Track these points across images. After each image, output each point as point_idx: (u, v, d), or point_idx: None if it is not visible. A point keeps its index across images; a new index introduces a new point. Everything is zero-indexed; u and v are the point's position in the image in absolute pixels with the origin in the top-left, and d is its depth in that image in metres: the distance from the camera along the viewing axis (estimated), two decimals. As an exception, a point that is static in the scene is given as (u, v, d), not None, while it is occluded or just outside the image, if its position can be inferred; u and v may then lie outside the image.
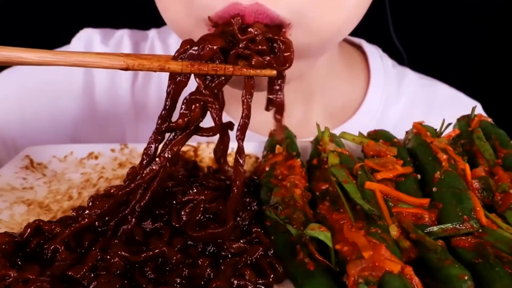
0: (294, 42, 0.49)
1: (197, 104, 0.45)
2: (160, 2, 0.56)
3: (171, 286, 0.38)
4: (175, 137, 0.45)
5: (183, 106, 0.45)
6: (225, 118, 0.49)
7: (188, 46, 0.44)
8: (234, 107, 0.59)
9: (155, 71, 0.44)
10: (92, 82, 0.77)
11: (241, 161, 0.46)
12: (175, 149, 0.45)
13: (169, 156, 0.45)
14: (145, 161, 0.46)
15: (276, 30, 0.48)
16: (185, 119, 0.45)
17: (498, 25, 1.23)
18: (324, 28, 0.52)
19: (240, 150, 0.45)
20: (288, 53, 0.46)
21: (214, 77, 0.45)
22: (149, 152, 0.46)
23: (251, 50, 0.45)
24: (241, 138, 0.45)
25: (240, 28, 0.46)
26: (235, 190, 0.45)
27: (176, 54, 0.44)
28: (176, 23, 0.57)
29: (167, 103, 0.45)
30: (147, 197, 0.44)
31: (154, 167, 0.44)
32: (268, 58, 0.45)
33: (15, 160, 0.57)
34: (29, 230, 0.44)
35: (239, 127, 0.45)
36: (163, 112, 0.45)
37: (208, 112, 0.46)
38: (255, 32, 0.45)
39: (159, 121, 0.46)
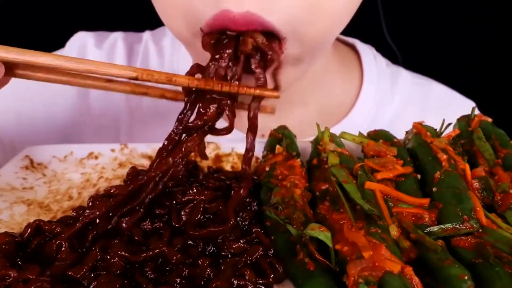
0: (289, 54, 0.50)
1: (214, 105, 0.47)
2: (161, 12, 0.57)
3: (171, 286, 0.38)
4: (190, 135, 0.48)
5: (200, 106, 0.47)
6: (223, 123, 0.50)
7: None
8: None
9: (162, 83, 0.46)
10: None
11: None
12: (189, 145, 0.46)
13: (184, 152, 0.46)
14: (158, 159, 0.46)
15: (272, 40, 0.50)
16: (203, 119, 0.47)
17: (493, 23, 1.24)
18: (314, 37, 0.52)
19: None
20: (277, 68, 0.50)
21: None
22: (163, 151, 0.47)
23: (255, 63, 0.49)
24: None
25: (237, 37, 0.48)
26: (242, 191, 0.46)
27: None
28: (179, 36, 0.58)
29: (186, 107, 0.48)
30: (159, 188, 0.45)
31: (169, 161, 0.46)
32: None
33: (15, 160, 0.57)
34: (29, 230, 0.43)
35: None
36: (181, 115, 0.48)
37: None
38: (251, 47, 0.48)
39: (177, 123, 0.47)
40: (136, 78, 0.44)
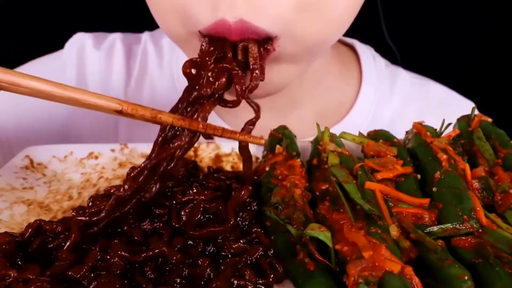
0: (283, 51, 0.50)
1: (224, 74, 0.47)
2: (156, 13, 0.57)
3: (171, 286, 0.38)
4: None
5: (210, 75, 0.47)
6: (218, 121, 0.50)
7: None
8: (226, 111, 0.59)
9: (147, 120, 0.44)
10: (85, 84, 0.77)
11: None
12: (201, 115, 0.46)
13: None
14: (160, 137, 0.46)
15: (265, 42, 0.50)
16: (212, 88, 0.46)
17: (493, 23, 1.24)
18: (310, 37, 0.53)
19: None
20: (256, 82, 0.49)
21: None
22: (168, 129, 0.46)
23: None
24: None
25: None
26: (243, 193, 0.47)
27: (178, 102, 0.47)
28: (170, 34, 0.58)
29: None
30: (171, 165, 0.45)
31: (183, 137, 0.46)
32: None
33: (15, 160, 0.57)
34: (30, 230, 0.44)
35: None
36: (188, 88, 0.47)
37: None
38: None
39: (185, 94, 0.47)
40: (120, 111, 0.43)
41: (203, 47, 0.50)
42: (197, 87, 0.47)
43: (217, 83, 0.47)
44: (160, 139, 0.46)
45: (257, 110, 0.51)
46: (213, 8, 0.48)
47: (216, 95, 0.47)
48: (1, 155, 0.71)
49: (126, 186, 0.45)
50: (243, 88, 0.48)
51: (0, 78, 0.40)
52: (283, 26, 0.49)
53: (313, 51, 0.57)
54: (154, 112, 0.44)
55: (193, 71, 0.47)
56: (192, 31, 0.51)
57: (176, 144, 0.45)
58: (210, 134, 0.47)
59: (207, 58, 0.48)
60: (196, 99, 0.47)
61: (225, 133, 0.47)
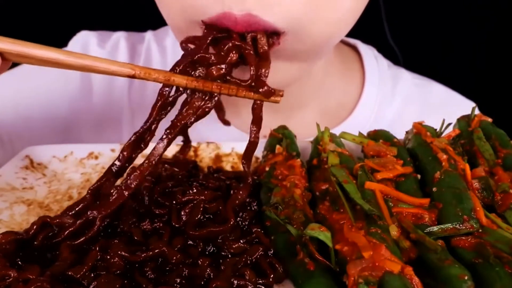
0: (289, 47, 0.50)
1: (236, 52, 0.47)
2: (162, 10, 0.57)
3: (171, 286, 0.38)
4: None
5: (222, 48, 0.47)
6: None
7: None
8: (230, 111, 0.59)
9: (160, 82, 0.45)
10: (90, 84, 0.77)
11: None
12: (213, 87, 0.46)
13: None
14: (159, 102, 0.46)
15: (271, 36, 0.50)
16: (224, 61, 0.46)
17: (494, 24, 1.24)
18: (318, 34, 0.53)
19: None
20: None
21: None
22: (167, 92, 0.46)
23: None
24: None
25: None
26: (241, 193, 0.46)
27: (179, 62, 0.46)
28: (173, 23, 0.58)
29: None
30: (176, 130, 0.45)
31: (195, 102, 0.46)
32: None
33: (15, 160, 0.57)
34: (35, 226, 0.44)
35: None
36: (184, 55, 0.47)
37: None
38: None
39: (181, 59, 0.46)
40: (133, 76, 0.43)
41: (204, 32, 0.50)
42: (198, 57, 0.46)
43: (228, 58, 0.46)
44: (159, 104, 0.46)
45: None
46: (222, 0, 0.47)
47: (224, 69, 0.46)
48: (3, 153, 0.72)
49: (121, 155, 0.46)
50: (257, 69, 0.47)
51: (12, 49, 0.41)
52: (291, 22, 0.49)
53: (318, 49, 0.57)
54: (167, 75, 0.45)
55: (194, 83, 0.47)
56: (193, 20, 0.51)
57: (188, 112, 0.46)
58: (225, 94, 0.46)
59: (209, 38, 0.48)
60: (196, 62, 0.46)
61: (240, 92, 0.47)
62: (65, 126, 0.77)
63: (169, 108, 0.47)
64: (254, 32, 0.48)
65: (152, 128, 0.47)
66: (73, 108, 0.77)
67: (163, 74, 0.45)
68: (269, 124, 0.58)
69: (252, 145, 0.48)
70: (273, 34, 0.50)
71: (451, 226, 0.40)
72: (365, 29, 0.73)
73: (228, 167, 0.59)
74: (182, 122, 0.46)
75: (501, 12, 1.21)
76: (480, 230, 0.40)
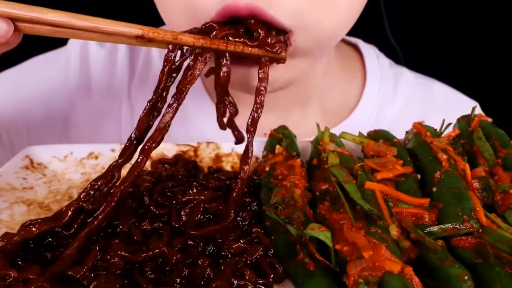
0: (297, 45, 0.50)
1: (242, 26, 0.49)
2: (163, 12, 0.57)
3: (171, 286, 0.38)
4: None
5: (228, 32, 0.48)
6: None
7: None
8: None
9: (168, 42, 0.46)
10: (89, 80, 0.77)
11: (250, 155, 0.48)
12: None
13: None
14: (167, 67, 0.47)
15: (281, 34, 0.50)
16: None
17: (497, 22, 1.23)
18: (322, 31, 0.53)
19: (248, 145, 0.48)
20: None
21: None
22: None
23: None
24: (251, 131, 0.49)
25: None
26: (239, 186, 0.46)
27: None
28: (177, 29, 0.57)
29: None
30: (183, 95, 0.46)
31: (198, 62, 0.46)
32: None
33: (15, 160, 0.57)
34: (70, 213, 0.44)
35: (249, 120, 0.49)
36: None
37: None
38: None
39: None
40: (142, 36, 0.44)
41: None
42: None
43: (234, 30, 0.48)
44: (166, 69, 0.46)
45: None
46: None
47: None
48: (3, 151, 0.72)
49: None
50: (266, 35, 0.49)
51: (25, 15, 0.41)
52: (297, 19, 0.49)
53: (324, 45, 0.57)
54: (175, 34, 0.46)
55: (201, 41, 0.47)
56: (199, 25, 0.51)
57: (192, 75, 0.46)
58: (231, 51, 0.47)
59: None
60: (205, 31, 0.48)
61: (245, 49, 0.48)
62: (64, 122, 0.77)
63: (175, 74, 0.48)
64: (256, 28, 0.49)
65: (164, 94, 0.48)
66: (72, 104, 0.77)
67: (170, 33, 0.45)
68: (269, 122, 0.58)
69: (248, 151, 0.49)
70: (280, 32, 0.50)
71: (451, 226, 0.40)
72: (366, 28, 0.73)
73: (228, 167, 0.59)
74: (188, 86, 0.46)
75: (505, 12, 1.21)
76: (480, 230, 0.40)
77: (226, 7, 0.48)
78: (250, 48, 0.48)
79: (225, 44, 0.47)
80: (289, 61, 0.54)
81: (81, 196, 0.45)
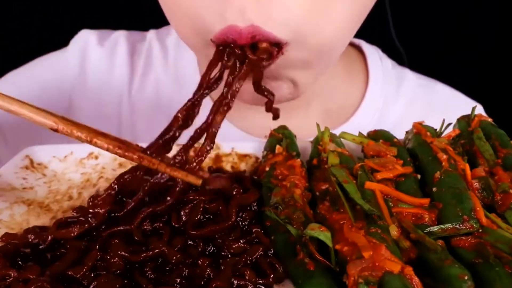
0: (294, 57, 0.51)
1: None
2: (170, 20, 0.58)
3: (171, 286, 0.38)
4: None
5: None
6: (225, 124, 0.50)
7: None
8: (234, 113, 0.59)
9: (82, 142, 0.43)
10: (85, 81, 0.78)
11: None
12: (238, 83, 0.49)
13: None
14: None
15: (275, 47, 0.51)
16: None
17: (500, 24, 1.23)
18: (318, 42, 0.53)
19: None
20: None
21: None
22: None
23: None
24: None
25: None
26: (249, 197, 0.47)
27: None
28: (188, 43, 0.60)
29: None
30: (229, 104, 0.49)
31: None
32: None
33: (15, 160, 0.57)
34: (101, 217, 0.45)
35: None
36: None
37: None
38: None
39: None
40: (56, 130, 0.42)
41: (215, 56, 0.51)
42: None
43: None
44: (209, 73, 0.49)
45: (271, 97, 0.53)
46: (223, 14, 0.48)
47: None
48: (6, 148, 0.72)
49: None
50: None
51: None
52: (293, 32, 0.50)
53: (323, 56, 0.57)
54: (90, 136, 0.43)
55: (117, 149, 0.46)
56: (205, 41, 0.52)
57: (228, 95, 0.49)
58: (146, 166, 0.45)
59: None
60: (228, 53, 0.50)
61: (160, 167, 0.45)
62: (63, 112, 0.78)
63: (219, 82, 0.50)
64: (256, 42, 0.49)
65: (205, 93, 0.49)
66: (72, 105, 0.77)
67: (86, 133, 0.43)
68: (271, 125, 0.58)
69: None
70: (276, 46, 0.50)
71: (451, 226, 0.40)
72: (370, 29, 0.73)
73: (228, 167, 0.59)
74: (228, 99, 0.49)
75: (504, 9, 1.21)
76: (480, 230, 0.40)
77: (227, 29, 0.48)
78: (169, 169, 0.46)
79: (139, 158, 0.45)
80: (293, 73, 0.55)
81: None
